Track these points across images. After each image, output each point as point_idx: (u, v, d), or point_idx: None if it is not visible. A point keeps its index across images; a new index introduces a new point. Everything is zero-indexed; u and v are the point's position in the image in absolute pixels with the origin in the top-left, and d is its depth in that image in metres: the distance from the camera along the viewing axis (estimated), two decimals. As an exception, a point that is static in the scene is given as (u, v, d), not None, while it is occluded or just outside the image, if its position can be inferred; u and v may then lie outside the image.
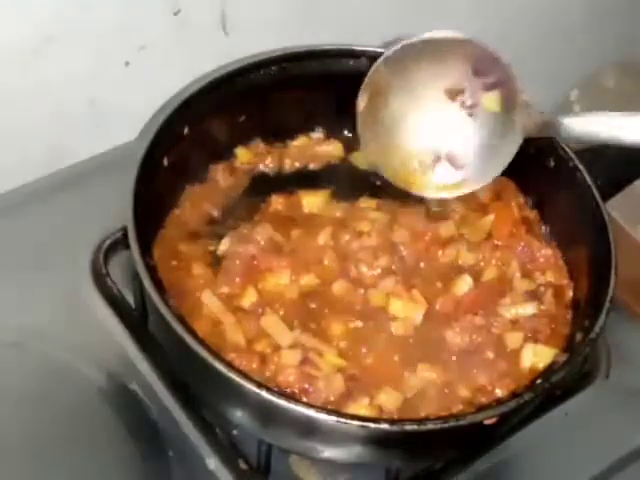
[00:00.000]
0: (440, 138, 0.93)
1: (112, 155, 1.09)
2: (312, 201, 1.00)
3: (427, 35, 0.88)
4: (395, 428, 0.76)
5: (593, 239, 0.92)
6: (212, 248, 0.95)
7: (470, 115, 0.91)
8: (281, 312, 0.90)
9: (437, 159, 0.92)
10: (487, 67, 0.89)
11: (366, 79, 0.94)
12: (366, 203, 1.01)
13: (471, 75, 0.90)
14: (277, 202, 1.00)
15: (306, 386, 0.84)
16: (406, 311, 0.91)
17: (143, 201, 0.86)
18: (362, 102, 0.93)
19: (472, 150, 0.92)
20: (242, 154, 1.03)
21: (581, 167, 0.94)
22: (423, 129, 0.93)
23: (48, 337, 0.92)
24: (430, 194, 0.97)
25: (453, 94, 0.91)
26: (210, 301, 0.89)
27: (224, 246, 0.94)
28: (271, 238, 0.95)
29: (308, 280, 0.93)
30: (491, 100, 0.89)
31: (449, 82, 0.91)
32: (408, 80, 0.91)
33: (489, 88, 0.89)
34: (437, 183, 0.95)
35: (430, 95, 0.91)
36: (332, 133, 1.07)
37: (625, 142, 0.84)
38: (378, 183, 1.04)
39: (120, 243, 0.99)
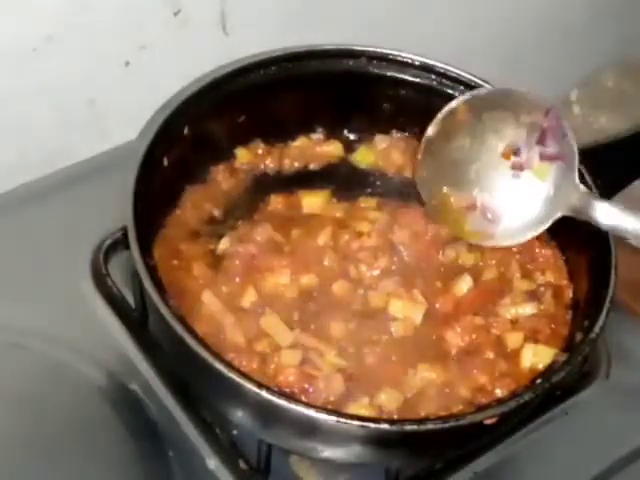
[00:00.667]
0: (480, 187, 0.94)
1: (112, 155, 1.09)
2: (312, 201, 1.00)
3: (513, 88, 0.90)
4: (395, 428, 0.76)
5: (593, 239, 0.91)
6: (212, 248, 0.95)
7: (516, 176, 0.91)
8: (281, 312, 0.90)
9: (472, 206, 0.93)
10: (553, 138, 0.89)
11: (445, 110, 0.95)
12: (366, 203, 1.01)
13: (534, 141, 0.91)
14: (277, 202, 1.00)
15: (306, 386, 0.84)
16: (406, 311, 0.91)
17: (143, 201, 0.86)
18: (432, 130, 0.94)
19: (506, 208, 0.92)
20: (242, 154, 1.03)
21: (581, 167, 0.94)
22: (468, 173, 0.94)
23: (48, 337, 0.92)
24: (461, 236, 0.96)
25: (508, 152, 0.92)
26: (210, 301, 0.89)
27: (223, 245, 0.94)
28: (271, 238, 0.95)
29: (308, 280, 0.93)
30: (542, 170, 0.90)
31: (511, 139, 0.91)
32: (478, 126, 0.92)
33: (545, 159, 0.90)
34: (470, 229, 0.95)
35: (489, 145, 0.92)
36: (332, 133, 1.07)
37: None
38: (378, 183, 1.04)
39: (120, 243, 0.99)
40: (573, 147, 0.90)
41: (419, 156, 0.97)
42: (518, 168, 0.91)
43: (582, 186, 0.89)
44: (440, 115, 0.95)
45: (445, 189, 0.94)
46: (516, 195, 0.92)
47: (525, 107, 0.91)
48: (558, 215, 0.90)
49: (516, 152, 0.92)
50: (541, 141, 0.90)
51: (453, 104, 0.95)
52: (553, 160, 0.90)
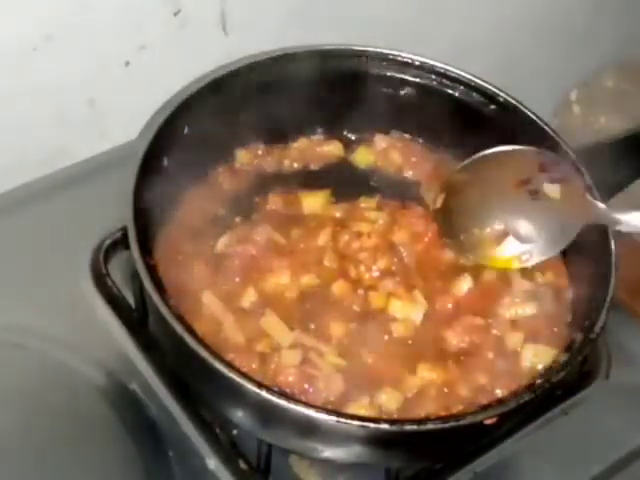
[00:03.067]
0: (506, 217, 0.97)
1: (112, 155, 1.09)
2: (312, 201, 1.00)
3: (502, 148, 0.96)
4: (395, 428, 0.76)
5: (593, 239, 0.92)
6: (212, 248, 0.95)
7: (534, 199, 0.95)
8: (281, 312, 0.90)
9: (504, 234, 0.96)
10: (553, 165, 0.94)
11: (442, 183, 0.99)
12: (366, 203, 1.01)
13: (537, 171, 0.95)
14: (277, 202, 1.00)
15: (306, 386, 0.84)
16: (406, 312, 0.91)
17: (143, 201, 0.87)
18: (439, 201, 0.99)
19: (535, 227, 0.96)
20: (242, 155, 1.03)
21: (581, 167, 0.94)
22: (491, 211, 0.97)
23: (48, 337, 0.92)
24: (494, 265, 0.97)
25: (519, 182, 0.95)
26: (210, 301, 0.89)
27: (221, 245, 0.94)
28: (271, 238, 0.95)
29: (308, 280, 0.93)
30: (553, 191, 0.94)
31: (517, 177, 0.96)
32: (482, 179, 0.97)
33: (553, 181, 0.94)
34: (506, 255, 0.97)
35: (500, 186, 0.96)
36: (332, 133, 1.07)
37: None
38: (378, 183, 1.04)
39: (120, 243, 0.99)
40: (575, 168, 0.94)
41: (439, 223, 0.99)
42: (533, 193, 0.95)
43: (593, 201, 0.92)
44: (441, 187, 0.99)
45: (475, 230, 0.97)
46: (540, 215, 0.95)
47: (518, 154, 0.96)
48: (581, 226, 0.92)
49: (526, 181, 0.95)
50: (544, 169, 0.94)
51: (448, 176, 0.99)
52: (561, 182, 0.94)
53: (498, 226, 0.96)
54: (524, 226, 0.96)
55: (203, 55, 1.07)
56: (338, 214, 1.00)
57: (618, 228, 0.91)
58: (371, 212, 1.00)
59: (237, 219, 0.98)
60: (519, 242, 0.96)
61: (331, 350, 0.88)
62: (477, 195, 0.97)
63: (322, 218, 0.99)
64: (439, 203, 0.99)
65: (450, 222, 0.98)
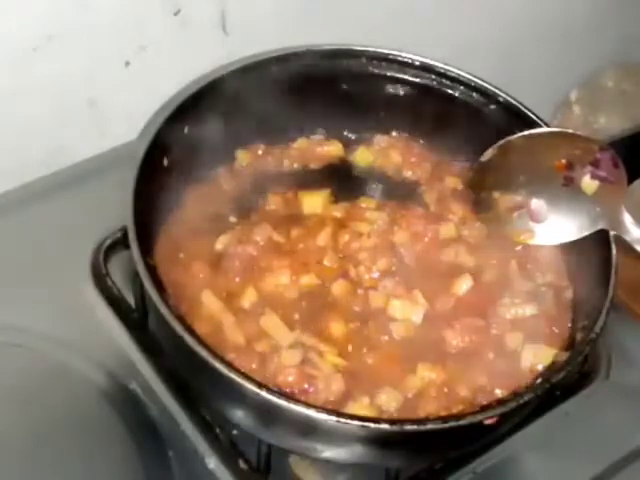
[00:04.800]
0: (528, 191, 0.98)
1: (112, 155, 1.09)
2: (312, 201, 1.00)
3: (568, 131, 0.97)
4: (395, 428, 0.76)
5: (593, 239, 0.92)
6: (212, 248, 0.95)
7: (565, 185, 0.95)
8: (281, 312, 0.90)
9: (519, 207, 0.98)
10: (605, 167, 0.94)
11: (502, 141, 0.97)
12: (366, 203, 1.01)
13: (587, 162, 0.94)
14: (277, 202, 1.00)
15: (306, 386, 0.84)
16: (406, 312, 0.91)
17: (143, 201, 0.87)
18: (488, 154, 0.98)
19: (551, 212, 0.97)
20: (242, 155, 1.03)
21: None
22: (518, 178, 0.98)
23: (48, 337, 0.92)
24: (501, 232, 0.99)
25: (562, 165, 0.95)
26: (210, 301, 0.89)
27: (220, 245, 0.94)
28: (271, 238, 0.95)
29: (308, 280, 0.93)
30: (589, 186, 0.94)
31: (563, 160, 0.95)
32: (533, 151, 0.97)
33: (596, 178, 0.94)
34: (512, 227, 0.98)
35: (542, 161, 0.96)
36: (332, 133, 1.07)
37: None
38: (378, 183, 1.04)
39: (120, 243, 0.99)
40: (624, 177, 0.94)
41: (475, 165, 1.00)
42: (569, 180, 0.95)
43: (625, 214, 0.92)
44: (498, 144, 0.98)
45: (495, 193, 0.98)
46: (562, 202, 0.96)
47: (580, 142, 0.96)
48: (599, 228, 0.92)
49: (569, 166, 0.95)
50: (594, 164, 0.94)
51: (511, 138, 0.98)
52: (603, 181, 0.94)
53: (518, 196, 0.97)
54: (541, 206, 0.96)
55: (203, 55, 1.08)
56: (338, 214, 1.00)
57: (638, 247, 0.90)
58: (371, 212, 1.00)
59: (237, 219, 0.98)
60: (532, 220, 0.97)
61: (331, 350, 0.87)
62: (518, 162, 0.97)
63: (322, 218, 0.99)
64: (487, 156, 0.99)
65: (483, 178, 0.99)
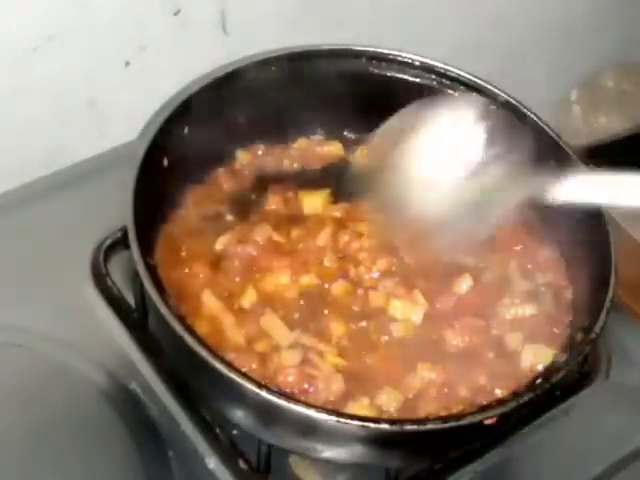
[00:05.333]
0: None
1: (112, 155, 1.09)
2: (312, 201, 1.00)
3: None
4: (395, 428, 0.76)
5: (593, 239, 0.91)
6: (213, 248, 0.95)
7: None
8: (281, 312, 0.90)
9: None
10: (500, 137, 0.89)
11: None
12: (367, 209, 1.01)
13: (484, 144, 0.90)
14: (277, 202, 1.00)
15: (306, 386, 0.84)
16: (406, 312, 0.91)
17: (143, 201, 0.86)
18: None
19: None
20: (242, 156, 1.03)
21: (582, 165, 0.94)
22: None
23: (48, 337, 0.92)
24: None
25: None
26: (210, 301, 0.89)
27: (220, 245, 0.94)
28: (271, 238, 0.95)
29: (308, 280, 0.93)
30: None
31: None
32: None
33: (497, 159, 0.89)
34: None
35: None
36: (332, 133, 1.07)
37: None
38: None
39: (120, 243, 0.99)
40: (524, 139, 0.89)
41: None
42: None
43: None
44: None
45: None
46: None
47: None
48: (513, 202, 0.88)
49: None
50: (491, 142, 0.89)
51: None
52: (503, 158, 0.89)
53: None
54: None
55: (203, 55, 1.08)
56: (338, 214, 1.00)
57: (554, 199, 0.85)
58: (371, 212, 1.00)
59: (237, 219, 0.98)
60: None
61: (331, 350, 0.87)
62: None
63: (322, 218, 0.99)
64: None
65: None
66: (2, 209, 1.03)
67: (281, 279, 0.92)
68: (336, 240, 0.96)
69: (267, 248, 0.94)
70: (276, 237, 0.96)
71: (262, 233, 0.95)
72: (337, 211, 1.00)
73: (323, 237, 0.96)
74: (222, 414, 0.87)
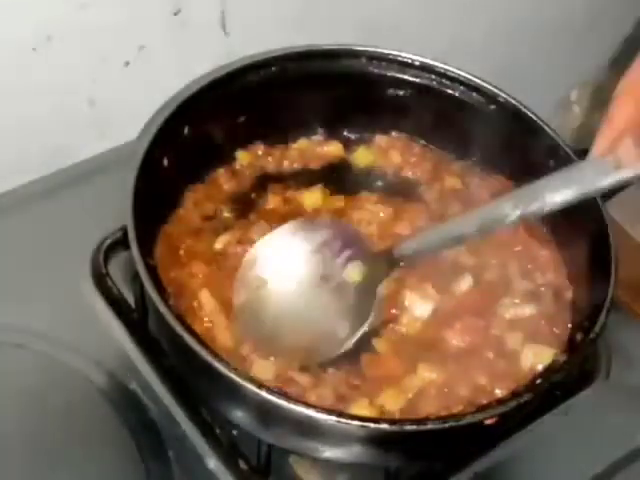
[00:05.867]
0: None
1: (112, 155, 1.09)
2: (312, 196, 1.00)
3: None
4: (395, 428, 0.76)
5: (593, 239, 0.91)
6: (212, 248, 0.95)
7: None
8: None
9: None
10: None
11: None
12: (367, 200, 1.01)
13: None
14: (277, 202, 1.00)
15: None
16: (411, 308, 0.91)
17: (143, 201, 0.86)
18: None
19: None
20: (243, 156, 1.03)
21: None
22: None
23: (48, 337, 0.92)
24: None
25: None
26: (207, 301, 0.89)
27: (220, 245, 0.94)
28: (270, 238, 0.95)
29: (308, 280, 0.93)
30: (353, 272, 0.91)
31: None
32: None
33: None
34: None
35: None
36: (332, 133, 1.07)
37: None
38: (378, 183, 1.04)
39: (120, 243, 0.99)
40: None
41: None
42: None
43: None
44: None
45: None
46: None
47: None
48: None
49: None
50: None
51: None
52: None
53: None
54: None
55: (203, 55, 1.07)
56: (338, 204, 1.00)
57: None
58: (373, 205, 1.00)
59: (237, 219, 0.98)
60: None
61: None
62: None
63: (322, 212, 0.99)
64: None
65: None
66: (2, 209, 1.03)
67: (281, 279, 0.92)
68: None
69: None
70: (275, 237, 0.96)
71: (261, 233, 0.95)
72: (337, 202, 1.00)
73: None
74: (222, 414, 0.87)
